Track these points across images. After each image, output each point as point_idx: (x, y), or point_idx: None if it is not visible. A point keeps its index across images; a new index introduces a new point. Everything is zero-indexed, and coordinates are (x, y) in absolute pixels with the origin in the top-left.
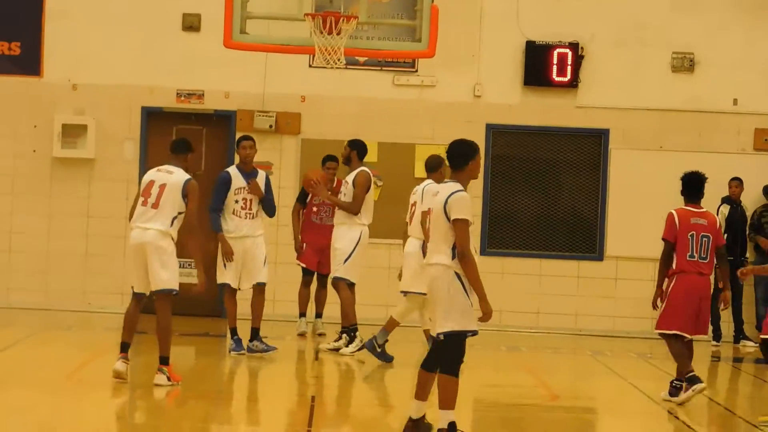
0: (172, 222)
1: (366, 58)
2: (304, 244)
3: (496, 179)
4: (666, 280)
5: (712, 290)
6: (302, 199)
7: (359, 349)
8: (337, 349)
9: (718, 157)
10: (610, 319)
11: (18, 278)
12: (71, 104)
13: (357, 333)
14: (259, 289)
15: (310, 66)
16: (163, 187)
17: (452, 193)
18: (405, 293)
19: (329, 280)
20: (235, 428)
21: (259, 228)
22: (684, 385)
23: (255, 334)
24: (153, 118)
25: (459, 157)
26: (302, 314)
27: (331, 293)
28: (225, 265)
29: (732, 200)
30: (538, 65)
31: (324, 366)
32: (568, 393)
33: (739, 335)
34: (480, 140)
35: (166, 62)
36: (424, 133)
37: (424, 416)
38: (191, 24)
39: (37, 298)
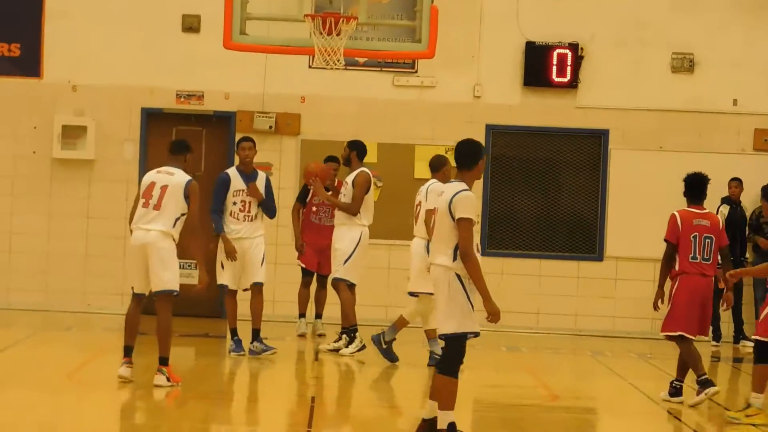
0: (175, 223)
1: (366, 59)
2: (303, 244)
3: (496, 180)
4: (669, 282)
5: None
6: (302, 198)
7: (359, 350)
8: (336, 350)
9: (718, 157)
10: (610, 320)
11: (18, 279)
12: (71, 105)
13: (357, 334)
14: (257, 289)
15: (309, 67)
16: (164, 188)
17: (457, 193)
18: (413, 294)
19: (329, 281)
20: (235, 429)
21: (258, 229)
22: (697, 388)
23: (255, 335)
24: (153, 119)
25: (467, 157)
26: (302, 315)
27: (331, 294)
28: (223, 266)
29: (732, 200)
30: (537, 66)
31: (324, 367)
32: (568, 393)
33: (739, 335)
34: (480, 141)
35: (166, 63)
36: (423, 134)
37: (435, 418)
38: (191, 25)
39: (37, 298)
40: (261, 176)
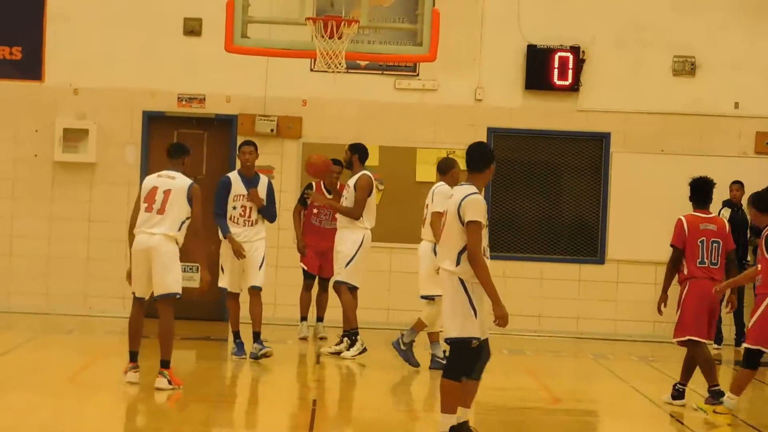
0: (180, 227)
1: (367, 62)
2: (305, 245)
3: (498, 183)
4: (678, 287)
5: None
6: (303, 200)
7: (360, 353)
8: (338, 353)
9: (720, 160)
10: (612, 323)
11: (19, 282)
12: (72, 108)
13: (358, 337)
14: (254, 292)
15: (311, 70)
16: (168, 192)
17: (466, 196)
18: (425, 298)
19: (330, 284)
20: None
21: (259, 232)
22: (707, 397)
23: (255, 338)
24: (154, 122)
25: (479, 161)
26: (303, 318)
27: (333, 297)
28: (223, 269)
29: (733, 203)
30: (539, 69)
31: (325, 370)
32: (569, 396)
33: (740, 338)
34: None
35: (168, 66)
36: (425, 137)
37: (466, 422)
38: (192, 28)
39: (38, 301)
40: (263, 181)
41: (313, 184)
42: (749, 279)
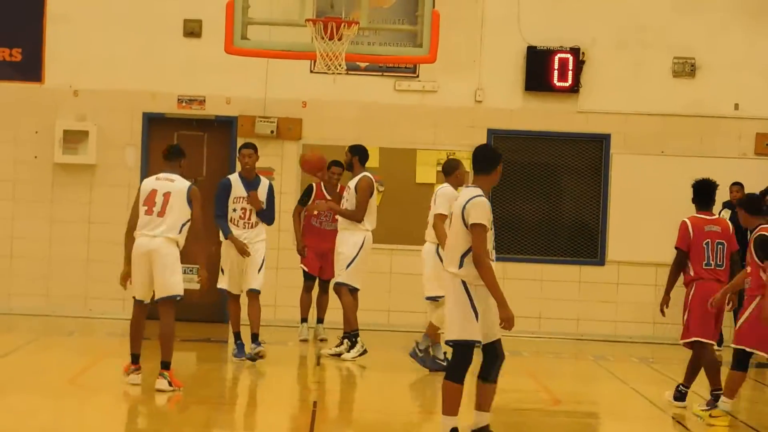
0: (181, 229)
1: (367, 64)
2: (305, 246)
3: (498, 184)
4: (684, 289)
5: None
6: (303, 201)
7: (361, 355)
8: (338, 355)
9: (720, 161)
10: (612, 324)
11: (19, 284)
12: (72, 110)
13: (358, 338)
14: (252, 295)
15: (311, 71)
16: (167, 195)
17: (470, 199)
18: (430, 299)
19: (331, 285)
20: None
21: (259, 234)
22: (708, 399)
23: (254, 339)
24: (154, 123)
25: (486, 162)
26: (304, 320)
27: (333, 298)
28: (222, 271)
29: (733, 205)
30: (539, 70)
31: (326, 371)
32: (570, 398)
33: None
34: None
35: (168, 68)
36: (425, 139)
37: (487, 426)
38: (192, 30)
39: (38, 303)
40: (264, 183)
41: (314, 185)
42: (741, 283)
